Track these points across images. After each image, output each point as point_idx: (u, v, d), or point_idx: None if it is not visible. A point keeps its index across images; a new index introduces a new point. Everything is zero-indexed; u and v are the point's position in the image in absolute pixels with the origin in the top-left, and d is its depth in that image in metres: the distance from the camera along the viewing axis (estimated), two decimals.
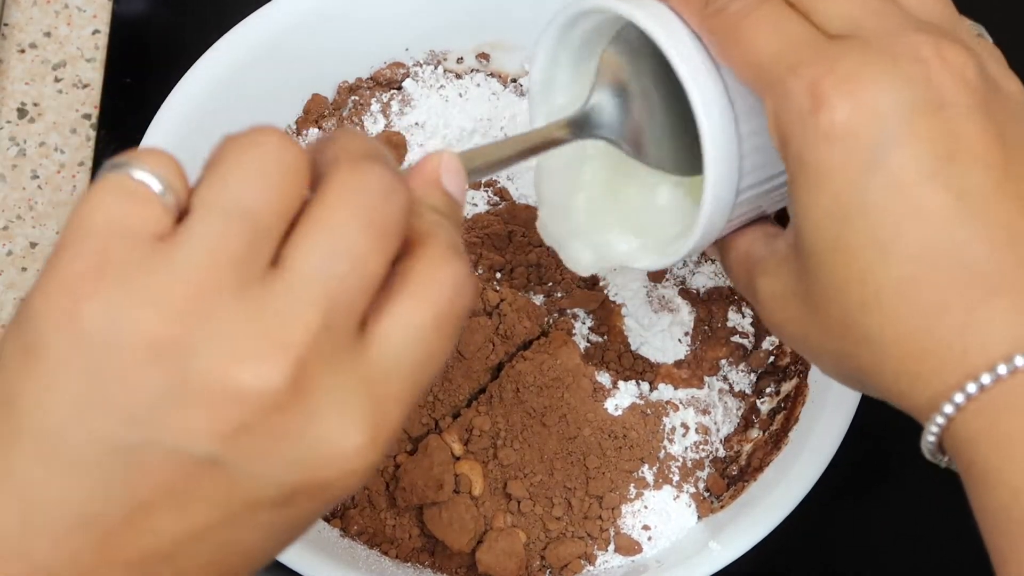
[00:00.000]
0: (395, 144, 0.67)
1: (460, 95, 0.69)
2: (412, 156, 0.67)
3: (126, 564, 0.31)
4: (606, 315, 0.64)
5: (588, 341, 0.63)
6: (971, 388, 0.36)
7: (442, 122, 0.68)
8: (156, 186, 0.32)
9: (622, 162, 0.48)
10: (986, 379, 0.36)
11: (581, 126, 0.46)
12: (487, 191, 0.67)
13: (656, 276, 0.65)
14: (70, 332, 0.30)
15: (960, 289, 0.36)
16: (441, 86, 0.69)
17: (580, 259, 0.50)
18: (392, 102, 0.68)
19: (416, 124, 0.68)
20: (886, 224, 0.37)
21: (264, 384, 0.31)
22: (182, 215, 0.32)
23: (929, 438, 0.38)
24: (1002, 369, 0.36)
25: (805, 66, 0.38)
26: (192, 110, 0.62)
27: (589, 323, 0.64)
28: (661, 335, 0.63)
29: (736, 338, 0.64)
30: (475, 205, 0.66)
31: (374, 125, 0.68)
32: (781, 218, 0.46)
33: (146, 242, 0.31)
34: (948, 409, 0.37)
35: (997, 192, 0.37)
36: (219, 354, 0.31)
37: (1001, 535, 0.36)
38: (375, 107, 0.68)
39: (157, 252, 0.31)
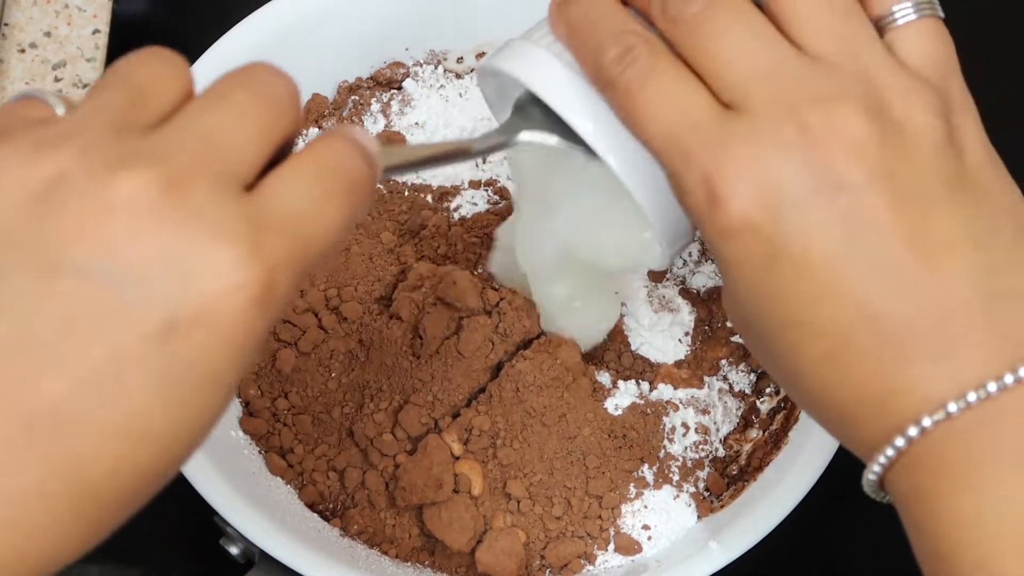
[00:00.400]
0: (395, 143, 0.67)
1: (460, 95, 0.69)
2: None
3: (6, 439, 0.30)
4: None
5: None
6: (889, 452, 0.37)
7: (442, 122, 0.68)
8: (54, 100, 0.35)
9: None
10: (900, 442, 0.37)
11: (508, 130, 0.46)
12: (487, 190, 0.67)
13: (657, 276, 0.65)
14: None
15: (878, 361, 0.37)
16: (441, 86, 0.69)
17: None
18: (392, 102, 0.68)
19: (416, 124, 0.68)
20: (800, 306, 0.38)
21: (137, 188, 0.31)
22: None
23: (868, 486, 0.40)
24: (913, 431, 0.37)
25: (696, 157, 0.38)
26: None
27: None
28: (662, 335, 0.63)
29: (736, 338, 0.64)
30: (475, 204, 0.66)
31: (374, 125, 0.68)
32: None
33: (39, 119, 0.34)
34: (876, 468, 0.38)
35: (906, 261, 0.37)
36: (95, 171, 0.31)
37: (944, 567, 0.37)
38: (375, 107, 0.68)
39: (46, 121, 0.34)
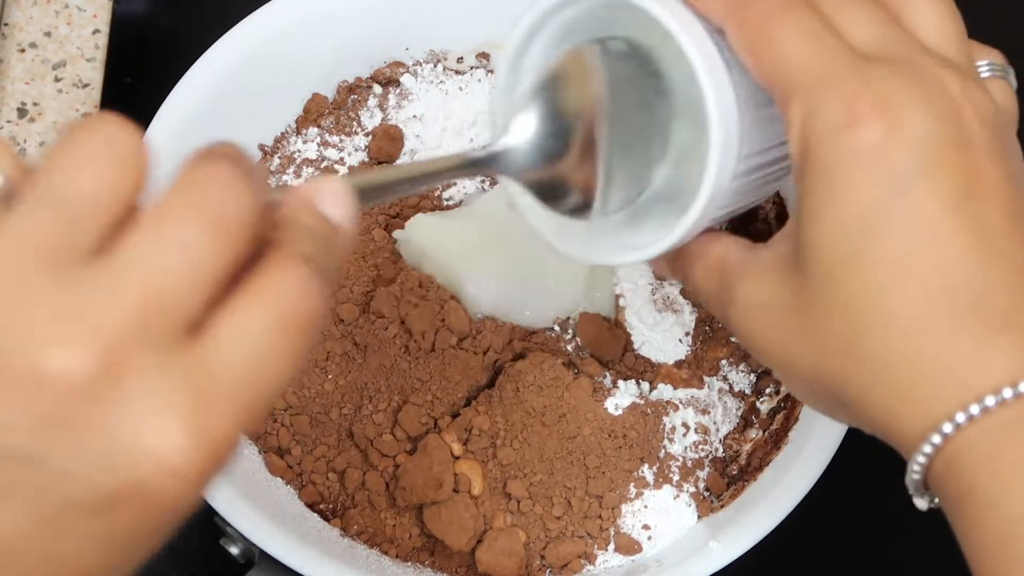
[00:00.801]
0: (392, 137, 0.67)
1: (460, 88, 0.69)
2: (409, 147, 0.68)
3: None
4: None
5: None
6: (974, 409, 0.36)
7: (442, 114, 0.68)
8: None
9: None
10: (990, 401, 0.36)
11: (486, 164, 0.45)
12: (484, 181, 0.67)
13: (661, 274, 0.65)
14: None
15: (970, 319, 0.37)
16: (441, 81, 0.69)
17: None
18: (390, 95, 0.68)
19: (414, 117, 0.68)
20: (906, 245, 0.37)
21: (71, 368, 0.29)
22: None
23: (920, 459, 0.37)
24: (1008, 393, 0.36)
25: (840, 80, 0.38)
26: (192, 110, 0.62)
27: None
28: (663, 335, 0.63)
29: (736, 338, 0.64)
30: (466, 190, 0.67)
31: (371, 119, 0.68)
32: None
33: None
34: (947, 428, 0.37)
35: (1011, 234, 0.38)
36: (25, 338, 0.29)
37: (996, 564, 0.36)
38: (372, 101, 0.68)
39: None
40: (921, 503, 0.39)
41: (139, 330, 0.30)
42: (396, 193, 0.41)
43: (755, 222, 0.64)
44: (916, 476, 0.38)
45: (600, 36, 0.46)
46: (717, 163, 0.42)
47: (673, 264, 0.47)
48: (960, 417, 0.36)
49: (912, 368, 0.38)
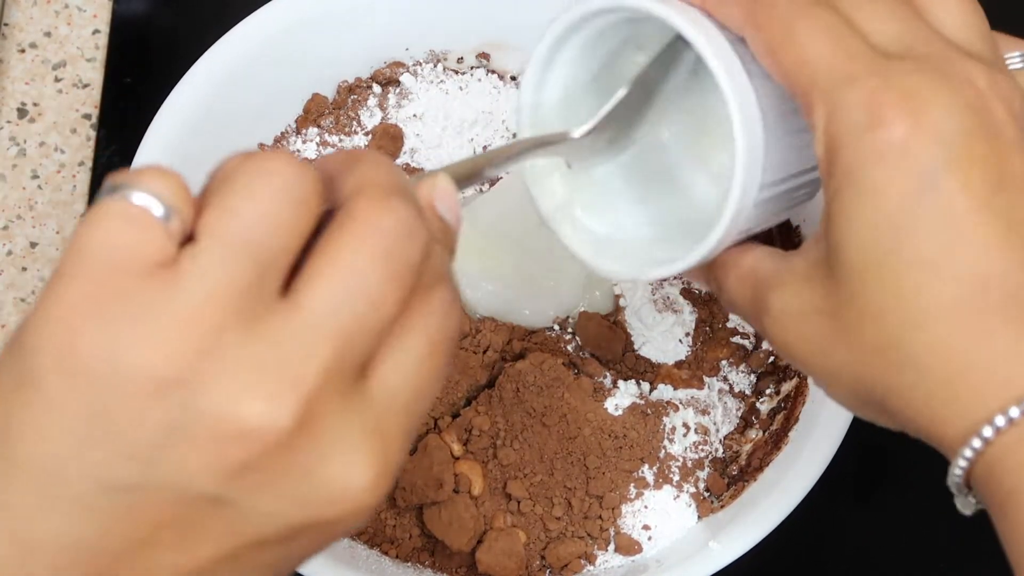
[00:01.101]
0: (392, 136, 0.67)
1: (460, 88, 0.69)
2: (409, 146, 0.68)
3: None
4: (611, 313, 0.64)
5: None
6: (1014, 412, 0.36)
7: (442, 113, 0.68)
8: (158, 210, 0.30)
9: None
10: None
11: (558, 142, 0.46)
12: (483, 184, 0.67)
13: None
14: (68, 366, 0.29)
15: (1006, 316, 0.36)
16: (441, 81, 0.69)
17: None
18: (390, 95, 0.68)
19: (414, 116, 0.68)
20: (938, 245, 0.37)
21: (271, 423, 0.30)
22: (187, 238, 0.31)
23: (961, 463, 0.37)
24: None
25: (863, 79, 0.37)
26: (192, 110, 0.62)
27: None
28: (663, 335, 0.63)
29: (737, 339, 0.64)
30: (464, 192, 0.67)
31: (371, 119, 0.68)
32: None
33: (148, 271, 0.30)
34: (988, 432, 0.36)
35: None
36: (224, 391, 0.30)
37: None
38: (372, 101, 0.68)
39: (160, 282, 0.30)
40: (964, 506, 0.39)
41: (329, 379, 0.31)
42: (481, 179, 0.43)
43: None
44: (958, 479, 0.38)
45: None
46: (742, 179, 0.41)
47: (708, 276, 0.46)
48: (1000, 420, 0.36)
49: (950, 370, 0.37)
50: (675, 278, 0.65)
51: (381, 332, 0.32)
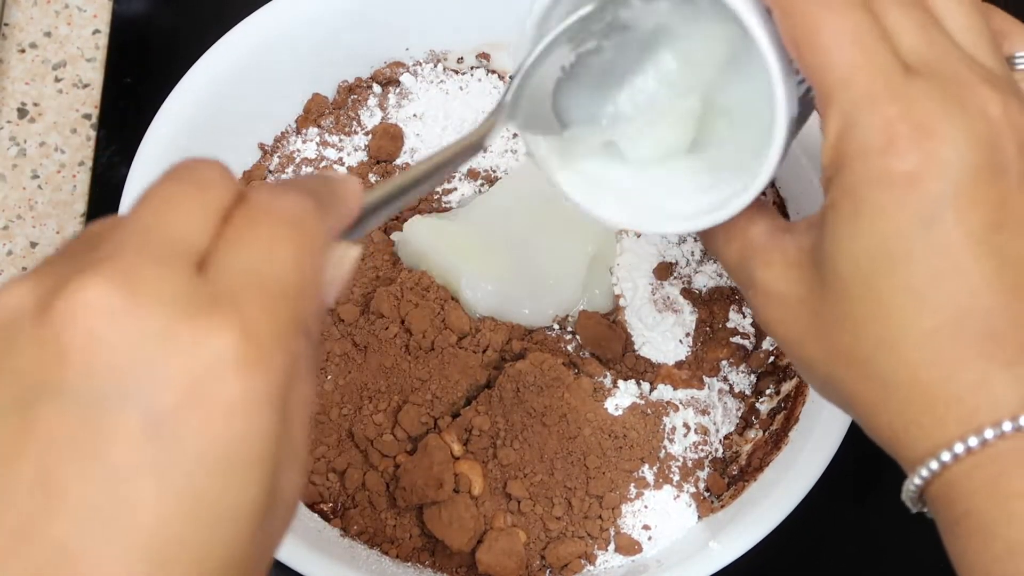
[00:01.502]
0: (392, 136, 0.67)
1: (460, 88, 0.69)
2: (409, 145, 0.68)
3: None
4: (610, 311, 0.64)
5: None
6: (973, 442, 0.37)
7: (442, 113, 0.68)
8: None
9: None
10: (990, 433, 0.37)
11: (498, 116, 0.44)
12: (479, 183, 0.67)
13: (662, 274, 0.65)
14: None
15: (981, 351, 0.37)
16: (441, 81, 0.69)
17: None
18: (390, 95, 0.68)
19: (414, 116, 0.68)
20: (926, 276, 0.37)
21: (89, 296, 0.29)
22: None
23: (917, 481, 0.38)
24: (1007, 426, 0.36)
25: (883, 103, 0.38)
26: (192, 110, 0.62)
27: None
28: (663, 336, 0.63)
29: (737, 339, 0.64)
30: (463, 194, 0.67)
31: (371, 119, 0.68)
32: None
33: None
34: (946, 457, 0.37)
35: None
36: (44, 290, 0.30)
37: None
38: (372, 101, 0.68)
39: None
40: (913, 508, 0.40)
41: (144, 255, 0.30)
42: (407, 197, 0.40)
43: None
44: (912, 493, 0.39)
45: None
46: (784, 107, 0.41)
47: (705, 236, 0.46)
48: (959, 448, 0.37)
49: (917, 394, 0.38)
50: (676, 277, 0.65)
51: (194, 222, 0.31)
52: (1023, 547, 0.36)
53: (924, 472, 0.38)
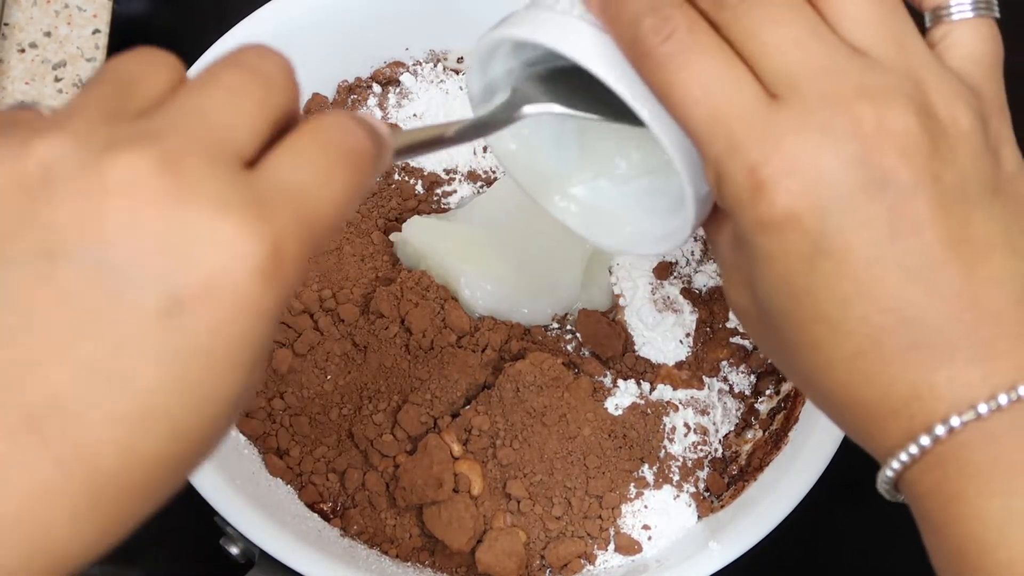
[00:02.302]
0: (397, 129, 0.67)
1: (460, 88, 0.69)
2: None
3: (8, 433, 0.29)
4: (609, 310, 0.64)
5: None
6: (913, 449, 0.37)
7: (443, 112, 0.68)
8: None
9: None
10: (925, 441, 0.37)
11: (511, 106, 0.45)
12: (478, 185, 0.67)
13: (662, 273, 0.65)
14: None
15: (906, 363, 0.37)
16: (441, 81, 0.69)
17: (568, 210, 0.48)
18: (389, 95, 0.68)
19: (414, 116, 0.68)
20: (834, 304, 0.37)
21: (130, 169, 0.30)
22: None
23: (883, 484, 0.39)
24: (940, 430, 0.37)
25: (742, 146, 0.37)
26: None
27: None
28: (663, 336, 0.63)
29: (737, 339, 0.64)
30: (462, 195, 0.67)
31: None
32: None
33: (30, 118, 0.33)
34: (896, 465, 0.38)
35: (944, 266, 0.37)
36: (84, 156, 0.31)
37: None
38: (372, 101, 0.68)
39: (37, 118, 0.33)
40: (889, 497, 0.41)
41: (194, 143, 0.31)
42: (433, 149, 0.42)
43: None
44: (885, 488, 0.40)
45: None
46: (688, 178, 0.41)
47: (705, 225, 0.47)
48: (903, 457, 0.38)
49: (859, 412, 0.39)
50: (676, 277, 0.65)
51: (248, 118, 0.32)
52: (967, 548, 0.36)
53: (883, 480, 0.39)
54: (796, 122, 0.37)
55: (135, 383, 0.30)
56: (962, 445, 0.37)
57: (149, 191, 0.30)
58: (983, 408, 0.36)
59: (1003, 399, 0.36)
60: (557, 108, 0.44)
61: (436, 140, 0.41)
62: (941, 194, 0.37)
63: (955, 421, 0.36)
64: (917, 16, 0.41)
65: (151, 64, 0.34)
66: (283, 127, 0.34)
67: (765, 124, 0.37)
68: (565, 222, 0.48)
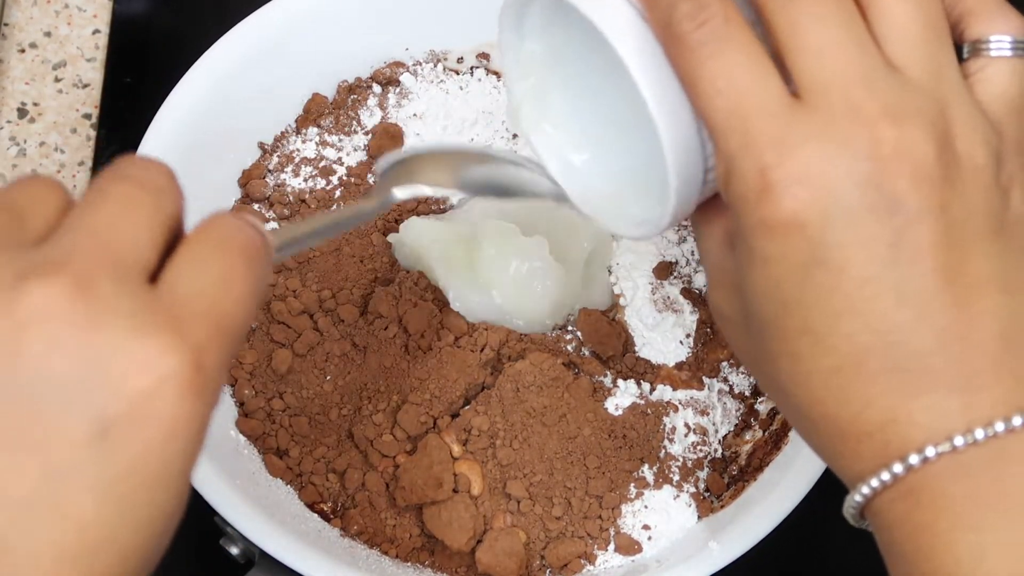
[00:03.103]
0: (392, 135, 0.67)
1: (460, 88, 0.69)
2: (409, 145, 0.68)
3: None
4: (609, 308, 0.64)
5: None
6: (885, 476, 0.37)
7: (443, 112, 0.68)
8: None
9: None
10: (898, 468, 0.37)
11: (382, 191, 0.46)
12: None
13: (662, 273, 0.65)
14: None
15: (887, 386, 0.37)
16: (441, 81, 0.69)
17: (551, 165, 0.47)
18: (389, 95, 0.68)
19: (414, 115, 0.68)
20: (822, 316, 0.37)
21: (44, 298, 0.30)
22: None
23: (849, 510, 0.39)
24: (914, 459, 0.37)
25: (758, 146, 0.37)
26: (192, 110, 0.62)
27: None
28: (663, 336, 0.63)
29: None
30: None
31: (371, 118, 0.68)
32: None
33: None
34: (865, 490, 0.38)
35: (938, 296, 0.37)
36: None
37: None
38: (372, 101, 0.68)
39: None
40: (854, 523, 0.40)
41: (99, 263, 0.31)
42: (306, 246, 0.42)
43: None
44: (851, 515, 0.40)
45: None
46: (674, 169, 0.40)
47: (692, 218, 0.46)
48: (874, 482, 0.37)
49: (832, 429, 0.38)
50: (676, 277, 0.65)
51: (144, 230, 0.33)
52: None
53: (851, 505, 0.39)
54: (816, 130, 0.37)
55: (75, 514, 0.30)
56: (935, 476, 0.36)
57: (65, 318, 0.30)
58: (959, 440, 0.36)
59: (979, 433, 0.36)
60: (426, 190, 0.46)
61: (313, 235, 0.42)
62: (946, 225, 0.37)
63: (930, 451, 0.36)
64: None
65: (37, 191, 0.34)
66: (175, 233, 0.34)
67: (784, 126, 0.37)
68: (557, 177, 0.47)
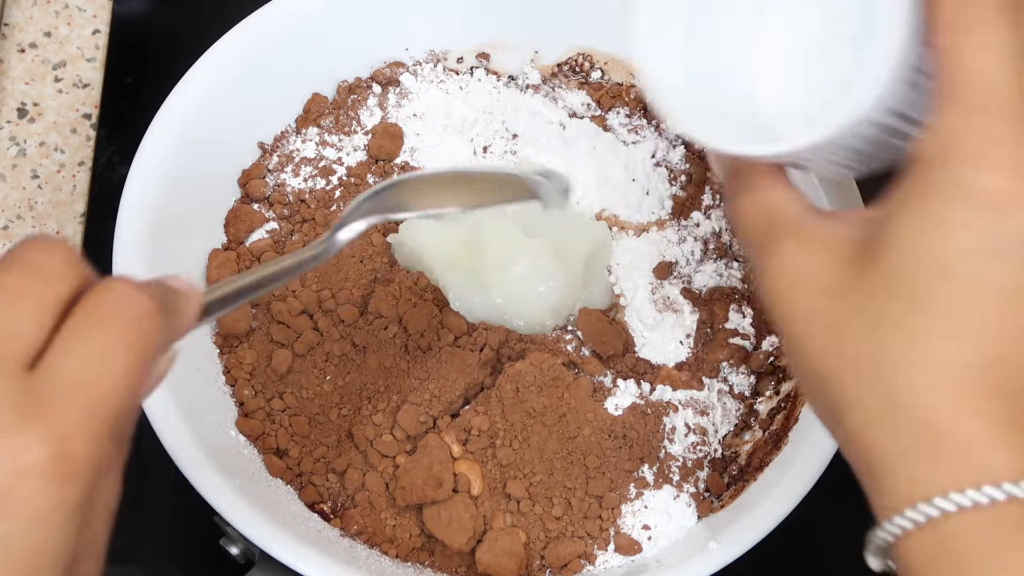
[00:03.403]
0: (392, 135, 0.67)
1: (460, 88, 0.69)
2: (409, 145, 0.68)
3: None
4: (609, 308, 0.64)
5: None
6: (976, 496, 0.35)
7: (443, 112, 0.68)
8: None
9: None
10: (991, 493, 0.35)
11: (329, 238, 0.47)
12: None
13: (662, 273, 0.65)
14: None
15: (994, 407, 0.35)
16: (441, 81, 0.69)
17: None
18: (389, 95, 0.68)
19: (414, 115, 0.68)
20: (966, 307, 0.35)
21: None
22: None
23: (899, 524, 0.36)
24: (1009, 488, 0.35)
25: (996, 118, 0.35)
26: (192, 110, 0.62)
27: None
28: (663, 337, 0.63)
29: (736, 340, 0.64)
30: None
31: (371, 118, 0.68)
32: None
33: None
34: (936, 507, 0.35)
35: None
36: None
37: None
38: (372, 101, 0.68)
39: None
40: (875, 563, 0.38)
41: None
42: (248, 297, 0.42)
43: None
44: (882, 540, 0.37)
45: None
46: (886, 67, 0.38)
47: (730, 178, 0.43)
48: (958, 498, 0.35)
49: (923, 428, 0.36)
50: (676, 277, 0.65)
51: (27, 319, 0.33)
52: None
53: (910, 517, 0.36)
54: None
55: None
56: (970, 524, 0.35)
57: None
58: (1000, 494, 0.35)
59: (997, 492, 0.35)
60: (372, 218, 0.47)
61: (250, 288, 0.42)
62: None
63: (969, 497, 0.35)
64: None
65: None
66: (69, 308, 0.34)
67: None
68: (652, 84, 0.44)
